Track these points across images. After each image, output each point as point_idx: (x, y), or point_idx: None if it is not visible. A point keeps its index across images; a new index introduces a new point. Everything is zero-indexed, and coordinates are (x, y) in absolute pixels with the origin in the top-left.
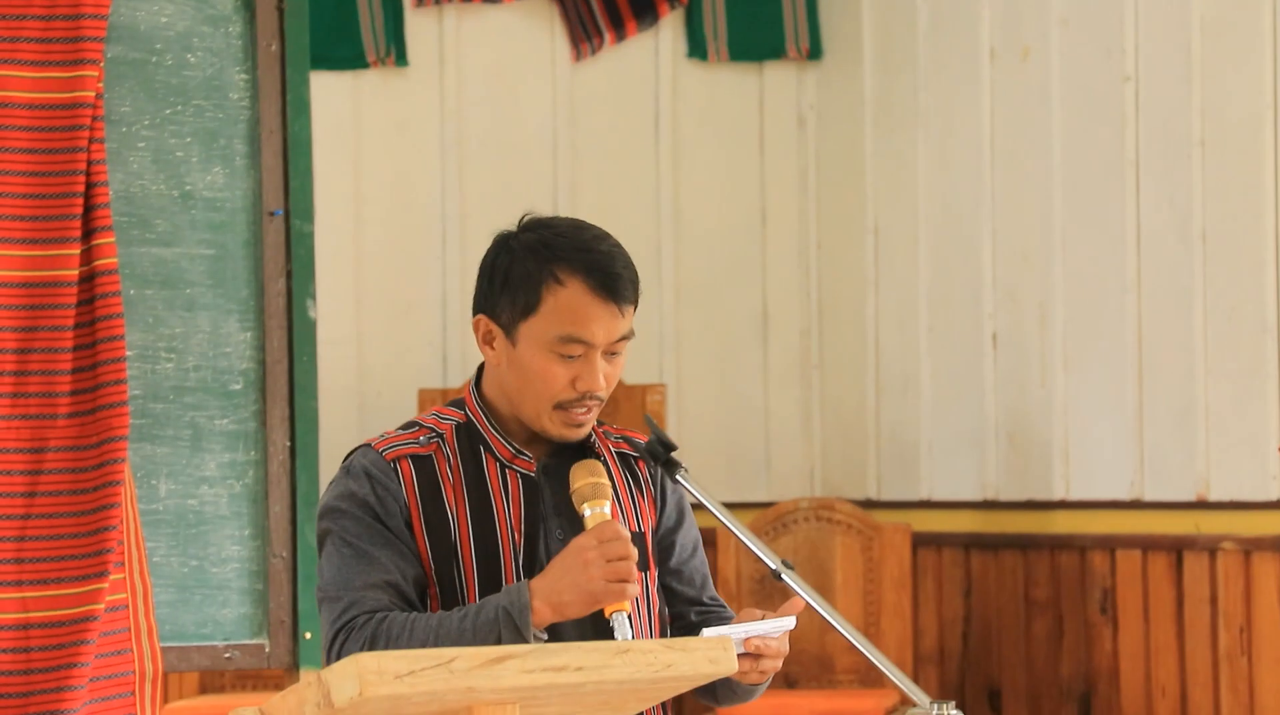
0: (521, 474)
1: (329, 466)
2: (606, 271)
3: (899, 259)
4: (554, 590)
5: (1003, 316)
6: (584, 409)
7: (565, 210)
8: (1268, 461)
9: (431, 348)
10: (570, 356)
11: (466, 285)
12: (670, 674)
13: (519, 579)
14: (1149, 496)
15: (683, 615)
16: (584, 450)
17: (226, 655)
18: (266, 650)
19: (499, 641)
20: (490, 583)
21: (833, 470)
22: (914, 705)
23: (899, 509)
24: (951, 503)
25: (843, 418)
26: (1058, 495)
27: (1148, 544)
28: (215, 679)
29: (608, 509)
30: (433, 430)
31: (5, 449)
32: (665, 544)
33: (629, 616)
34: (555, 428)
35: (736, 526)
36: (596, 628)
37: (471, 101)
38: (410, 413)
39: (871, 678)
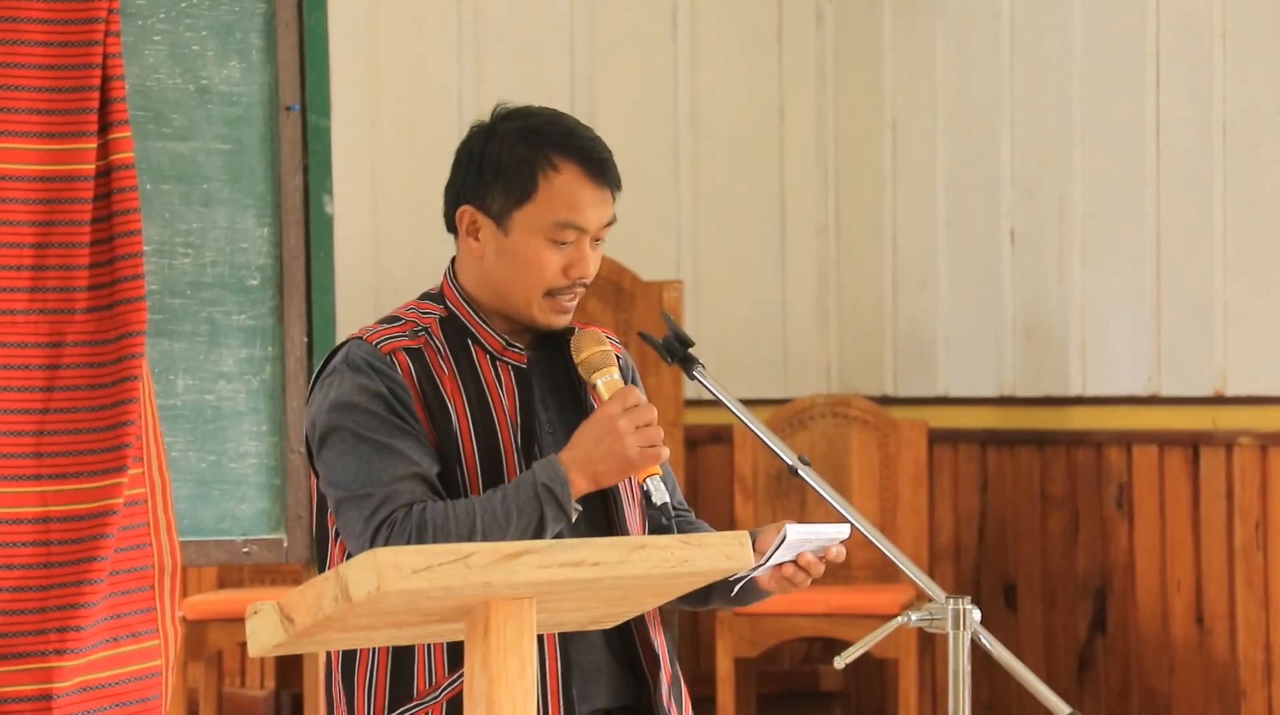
0: (513, 366)
1: None
2: (598, 157)
3: (917, 154)
4: (588, 460)
5: (1021, 212)
6: (571, 296)
7: (583, 106)
8: None
9: (448, 244)
10: (564, 243)
11: None
12: (687, 569)
13: (520, 470)
14: (1166, 392)
15: (654, 519)
16: (561, 343)
17: (245, 550)
18: (284, 545)
19: (541, 518)
20: (492, 473)
21: (849, 367)
22: (930, 600)
23: (916, 405)
24: (968, 399)
25: (860, 314)
26: (1075, 391)
27: (1164, 439)
28: (234, 573)
29: (617, 375)
30: (416, 323)
31: (23, 343)
32: None
33: (662, 479)
34: (543, 315)
35: (753, 423)
36: (591, 522)
37: None
38: None
39: (887, 573)
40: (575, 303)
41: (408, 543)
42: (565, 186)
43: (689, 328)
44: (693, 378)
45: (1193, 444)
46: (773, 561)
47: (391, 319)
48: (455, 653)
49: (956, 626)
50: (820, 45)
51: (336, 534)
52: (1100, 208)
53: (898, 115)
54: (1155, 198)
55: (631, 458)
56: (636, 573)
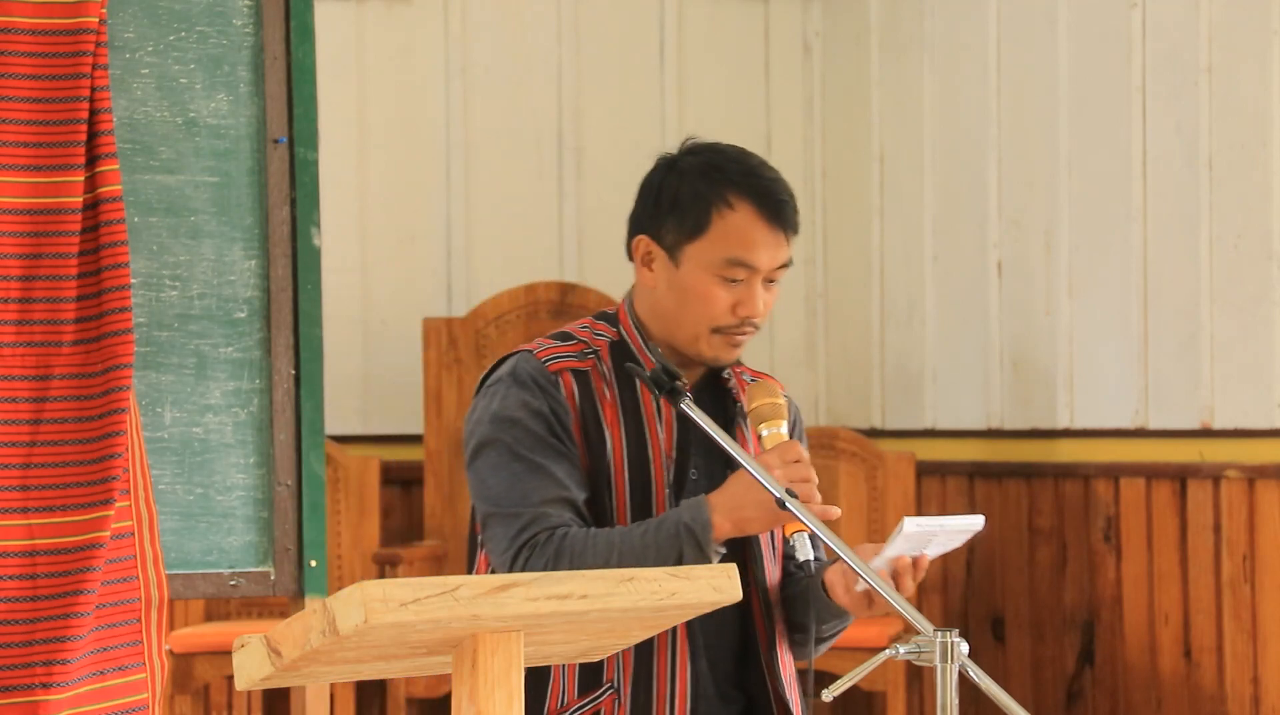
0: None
1: (334, 395)
2: (776, 198)
3: (904, 187)
4: (736, 507)
5: (1008, 244)
6: (743, 334)
7: (570, 138)
8: (1272, 390)
9: (436, 276)
10: (734, 280)
11: (471, 213)
12: (674, 602)
13: (669, 505)
14: (1153, 425)
15: (789, 575)
16: (718, 387)
17: (232, 583)
18: (272, 578)
19: (680, 557)
20: (641, 505)
21: (837, 399)
22: (917, 633)
23: (903, 438)
24: (956, 431)
25: (847, 346)
26: (1062, 424)
27: (1152, 472)
28: (221, 606)
29: (784, 429)
30: (588, 344)
31: (10, 376)
32: None
33: (810, 536)
34: (711, 350)
35: (741, 455)
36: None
37: (476, 28)
38: (415, 342)
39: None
40: (746, 341)
41: (545, 567)
42: (738, 225)
43: None
44: (680, 410)
45: (1180, 477)
46: (889, 554)
47: (564, 337)
48: (588, 675)
49: (944, 659)
50: (808, 78)
51: (483, 543)
52: (1087, 240)
53: (885, 148)
54: (1142, 231)
55: (779, 511)
56: (624, 605)
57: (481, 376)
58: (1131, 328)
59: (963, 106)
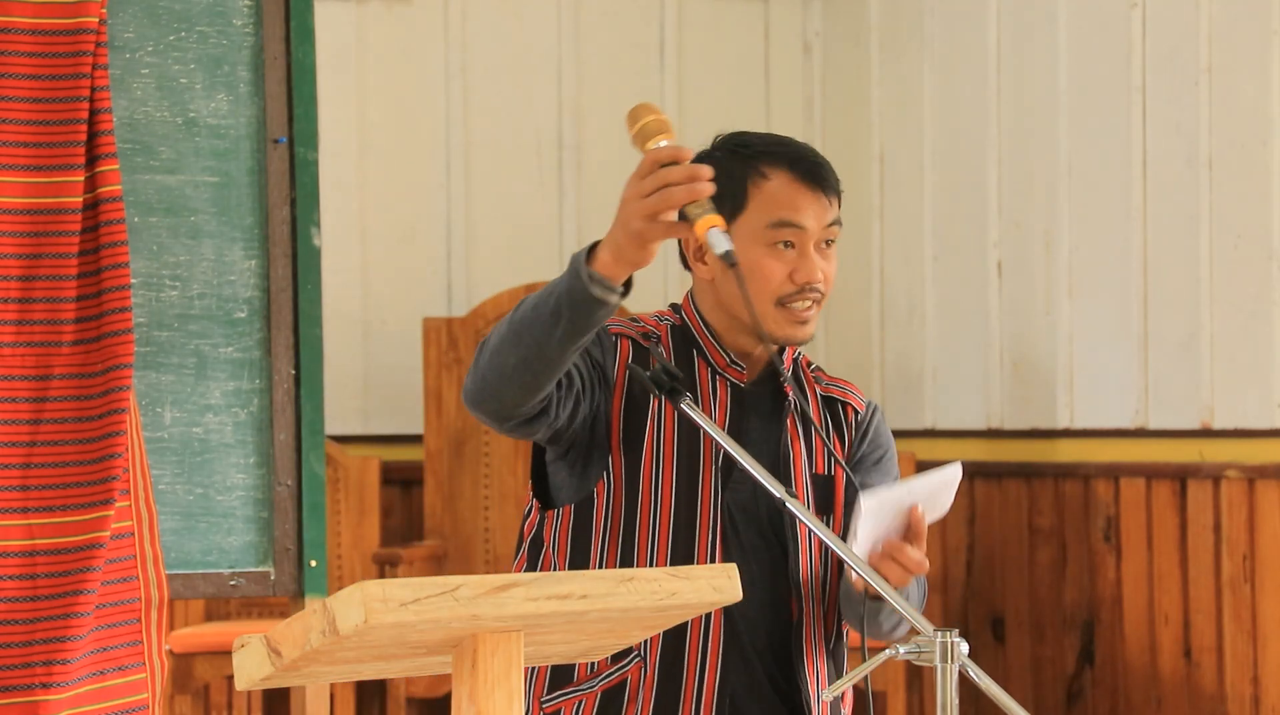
0: (731, 382)
1: (333, 395)
2: (810, 160)
3: (904, 187)
4: (611, 235)
5: (1008, 245)
6: (806, 304)
7: (570, 138)
8: (1272, 389)
9: (436, 276)
10: (786, 244)
11: (471, 213)
12: (674, 602)
13: (716, 481)
14: (1153, 425)
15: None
16: (778, 384)
17: (232, 583)
18: (272, 578)
19: (555, 287)
20: (688, 488)
21: None
22: (917, 633)
23: (903, 438)
24: (956, 432)
25: (847, 346)
26: (1062, 424)
27: (1152, 472)
28: (221, 606)
29: (665, 143)
30: (651, 328)
31: (10, 376)
32: (846, 498)
33: (724, 231)
34: (780, 328)
35: (742, 455)
36: (760, 559)
37: (476, 28)
38: (415, 341)
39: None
40: (812, 313)
41: (476, 359)
42: (776, 190)
43: None
44: (680, 410)
45: (1180, 477)
46: (863, 538)
47: (630, 318)
48: None
49: (944, 659)
50: (808, 78)
51: (528, 535)
52: (1087, 241)
53: (885, 148)
54: (1142, 231)
55: (637, 230)
56: (624, 606)
57: None
58: (1131, 328)
59: (963, 106)
